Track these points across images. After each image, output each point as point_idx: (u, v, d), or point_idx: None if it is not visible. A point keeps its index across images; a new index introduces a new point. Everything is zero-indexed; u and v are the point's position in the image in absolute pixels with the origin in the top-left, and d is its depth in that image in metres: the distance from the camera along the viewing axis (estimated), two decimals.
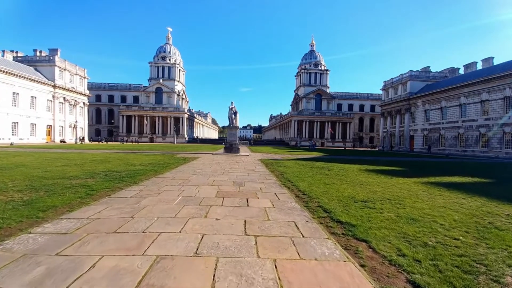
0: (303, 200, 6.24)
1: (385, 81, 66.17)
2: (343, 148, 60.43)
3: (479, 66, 46.42)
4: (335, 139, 78.46)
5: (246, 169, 12.10)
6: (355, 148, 67.00)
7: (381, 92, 71.86)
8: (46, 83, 51.41)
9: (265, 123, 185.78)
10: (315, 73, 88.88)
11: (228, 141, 24.86)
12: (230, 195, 6.40)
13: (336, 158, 23.42)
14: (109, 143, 61.87)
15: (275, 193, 6.82)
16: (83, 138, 60.82)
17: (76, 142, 53.42)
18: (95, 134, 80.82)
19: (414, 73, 56.68)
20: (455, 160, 25.72)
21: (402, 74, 59.23)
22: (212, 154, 23.36)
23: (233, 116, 24.13)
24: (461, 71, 52.50)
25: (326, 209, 5.41)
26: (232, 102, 24.52)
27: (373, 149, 68.24)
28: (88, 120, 73.09)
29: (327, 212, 5.21)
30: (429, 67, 60.45)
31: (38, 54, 56.91)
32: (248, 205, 5.48)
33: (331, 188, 7.88)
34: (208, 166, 13.19)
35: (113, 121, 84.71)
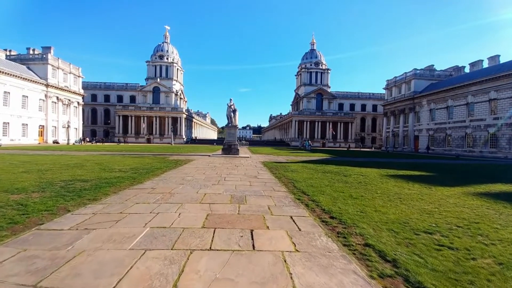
0: (337, 230, 4.10)
1: (388, 80, 64.29)
2: (345, 149, 58.33)
3: (485, 65, 45.14)
4: (336, 140, 76.44)
5: (247, 176, 9.95)
6: (357, 149, 64.93)
7: (383, 91, 69.98)
8: (38, 82, 49.28)
9: (265, 123, 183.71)
10: (316, 72, 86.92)
11: (227, 141, 22.67)
12: (225, 222, 4.25)
13: (345, 160, 21.29)
14: (105, 144, 59.63)
15: (291, 217, 4.68)
16: (84, 139, 60.86)
17: (68, 143, 51.11)
18: (91, 135, 78.45)
19: (418, 71, 54.85)
20: (471, 162, 23.61)
21: (406, 72, 57.40)
22: (209, 156, 21.20)
23: (232, 114, 21.97)
24: (467, 70, 51.00)
25: (382, 252, 3.27)
26: (231, 99, 22.36)
27: (377, 149, 65.89)
28: (84, 120, 70.89)
29: (387, 260, 3.08)
30: (433, 65, 58.73)
31: (31, 52, 54.89)
32: (254, 247, 3.32)
33: (365, 205, 5.75)
34: (202, 171, 11.04)
35: (109, 121, 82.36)
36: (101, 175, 8.97)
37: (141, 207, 5.03)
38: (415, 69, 54.81)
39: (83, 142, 57.96)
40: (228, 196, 6.21)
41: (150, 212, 4.65)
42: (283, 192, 6.96)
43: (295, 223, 4.31)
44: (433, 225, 4.54)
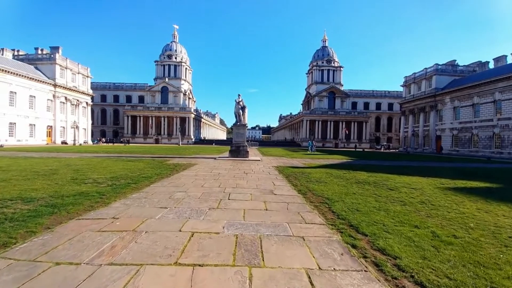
0: None
1: (406, 77, 60.36)
2: (360, 150, 54.67)
3: (509, 60, 41.98)
4: (349, 140, 72.87)
5: (260, 190, 7.36)
6: (372, 150, 61.08)
7: (400, 89, 66.10)
8: (45, 82, 48.57)
9: (274, 123, 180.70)
10: (328, 70, 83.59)
11: (235, 142, 20.12)
12: None
13: (370, 164, 18.36)
14: (115, 144, 58.58)
15: None
16: (100, 139, 64.16)
17: (74, 144, 50.02)
18: (100, 135, 78.10)
19: (440, 67, 50.94)
20: (509, 166, 20.08)
21: (426, 68, 53.56)
22: (215, 158, 18.74)
23: (241, 111, 19.45)
24: (491, 65, 47.16)
25: None
26: (239, 95, 19.84)
27: (386, 150, 61.52)
28: (93, 121, 70.55)
29: None
30: (455, 60, 54.62)
31: (39, 52, 54.52)
32: None
33: (484, 264, 3.02)
34: (200, 182, 8.54)
35: (118, 121, 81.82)
36: (62, 189, 6.58)
37: (54, 279, 2.52)
38: (437, 64, 50.91)
39: (100, 142, 59.36)
40: (230, 240, 3.62)
41: None
42: (321, 227, 4.32)
43: None
44: None
